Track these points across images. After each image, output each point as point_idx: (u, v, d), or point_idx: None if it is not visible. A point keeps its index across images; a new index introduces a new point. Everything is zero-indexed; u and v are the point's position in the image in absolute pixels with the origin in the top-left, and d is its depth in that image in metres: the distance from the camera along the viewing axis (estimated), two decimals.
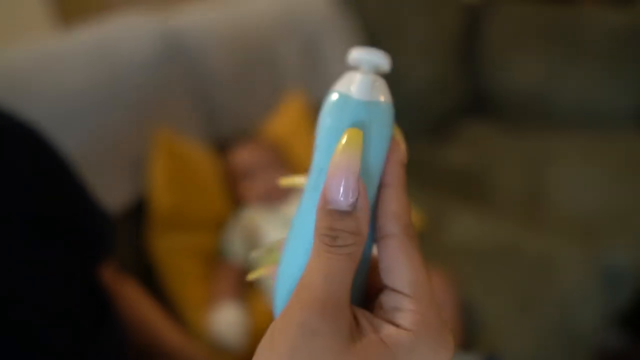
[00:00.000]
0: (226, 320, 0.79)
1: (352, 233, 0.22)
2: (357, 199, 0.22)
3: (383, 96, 0.25)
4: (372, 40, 1.42)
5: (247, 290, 0.87)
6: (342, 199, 0.22)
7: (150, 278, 0.87)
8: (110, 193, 0.85)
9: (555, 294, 0.94)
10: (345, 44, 1.32)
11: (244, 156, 0.96)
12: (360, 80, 0.24)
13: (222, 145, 1.04)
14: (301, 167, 1.06)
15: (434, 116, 1.55)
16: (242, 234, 0.88)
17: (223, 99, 1.08)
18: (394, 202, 0.23)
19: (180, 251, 0.88)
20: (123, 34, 1.02)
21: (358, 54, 0.25)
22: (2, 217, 0.41)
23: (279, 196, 0.92)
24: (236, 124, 1.09)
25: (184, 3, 1.24)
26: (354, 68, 0.26)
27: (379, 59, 0.25)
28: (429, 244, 1.06)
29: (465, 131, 1.55)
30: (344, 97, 0.24)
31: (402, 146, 0.25)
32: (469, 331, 0.88)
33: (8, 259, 0.41)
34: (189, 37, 1.08)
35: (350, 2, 1.40)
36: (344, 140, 0.23)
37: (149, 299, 0.64)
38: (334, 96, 0.25)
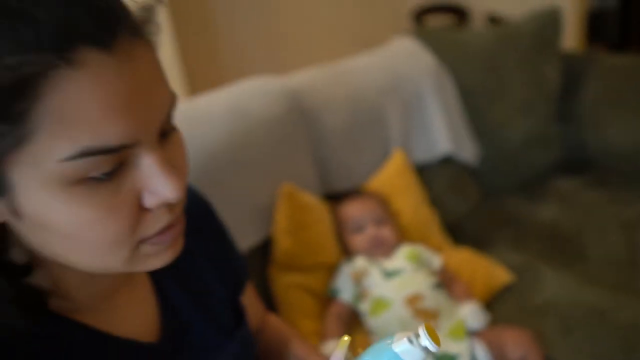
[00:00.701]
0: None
1: None
2: None
3: None
4: (472, 96, 1.51)
5: (353, 329, 0.99)
6: None
7: (270, 309, 1.02)
8: (243, 234, 1.01)
9: None
10: (446, 104, 1.43)
11: (353, 210, 1.10)
12: (405, 346, 0.37)
13: (334, 198, 1.19)
14: (402, 221, 1.18)
15: (529, 171, 1.58)
16: (350, 280, 1.01)
17: (336, 155, 1.23)
18: None
19: (295, 288, 1.03)
20: (253, 95, 1.20)
21: (422, 334, 0.37)
22: (197, 259, 0.61)
23: (382, 250, 1.04)
24: (346, 179, 1.24)
25: (298, 68, 1.41)
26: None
27: (431, 347, 0.36)
28: (517, 301, 1.12)
29: (559, 188, 1.56)
30: (388, 344, 0.38)
31: None
32: None
33: (213, 292, 0.60)
34: (308, 99, 1.25)
35: (450, 62, 1.50)
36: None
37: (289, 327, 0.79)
38: (392, 340, 0.38)
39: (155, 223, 0.40)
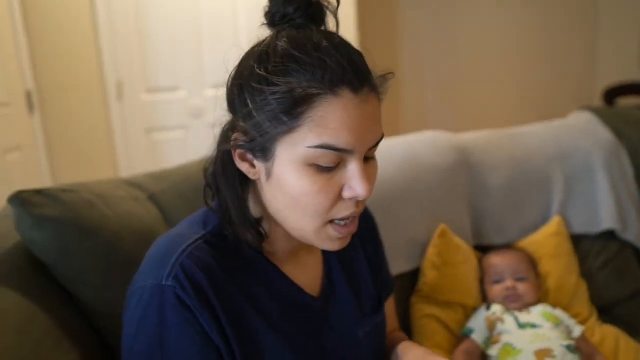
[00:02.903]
0: None
1: None
2: None
3: None
4: None
5: None
6: None
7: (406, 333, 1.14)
8: (398, 260, 1.16)
9: None
10: (617, 181, 1.42)
11: (497, 261, 1.18)
12: None
13: (483, 249, 1.28)
14: (547, 285, 1.21)
15: None
16: (485, 324, 1.09)
17: (493, 211, 1.32)
18: None
19: (432, 319, 1.14)
20: (428, 145, 1.35)
21: None
22: (357, 252, 0.81)
23: (516, 304, 1.10)
24: (500, 236, 1.31)
25: (475, 129, 1.54)
26: None
27: None
28: None
29: None
30: None
31: None
32: None
33: (363, 280, 0.79)
34: (476, 155, 1.36)
35: (630, 141, 1.48)
36: None
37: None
38: None
39: (344, 210, 0.61)
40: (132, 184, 1.05)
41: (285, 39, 0.57)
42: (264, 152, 0.59)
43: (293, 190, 0.58)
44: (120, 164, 2.82)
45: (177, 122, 2.85)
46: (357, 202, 0.61)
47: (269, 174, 0.60)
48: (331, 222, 0.61)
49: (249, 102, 0.58)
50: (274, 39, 0.59)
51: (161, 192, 1.05)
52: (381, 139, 0.61)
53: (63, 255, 0.82)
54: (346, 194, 0.59)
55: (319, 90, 0.54)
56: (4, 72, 2.35)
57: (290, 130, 0.56)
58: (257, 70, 0.57)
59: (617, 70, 3.85)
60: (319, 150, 0.56)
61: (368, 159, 0.62)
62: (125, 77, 2.74)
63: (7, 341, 0.66)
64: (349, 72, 0.55)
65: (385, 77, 0.61)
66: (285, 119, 0.55)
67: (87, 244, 0.84)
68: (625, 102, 3.64)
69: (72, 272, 0.84)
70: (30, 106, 2.53)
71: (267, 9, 0.62)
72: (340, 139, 0.55)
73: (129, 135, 2.81)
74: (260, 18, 0.62)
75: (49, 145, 2.66)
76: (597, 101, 3.76)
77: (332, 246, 0.63)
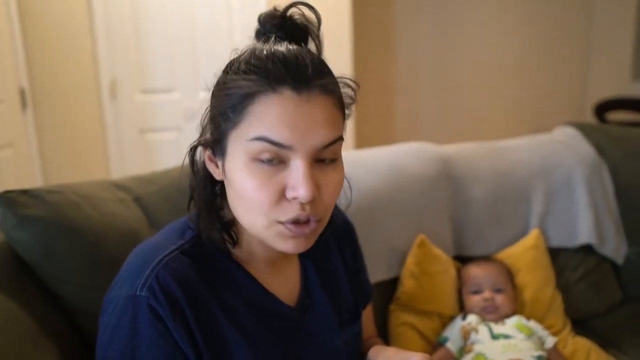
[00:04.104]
0: None
1: None
2: None
3: None
4: (630, 194, 1.49)
5: None
6: None
7: (383, 337, 1.16)
8: (377, 269, 1.19)
9: None
10: (597, 196, 1.45)
11: (476, 272, 1.20)
12: None
13: (462, 259, 1.30)
14: (523, 297, 1.24)
15: None
16: (460, 333, 1.11)
17: (474, 223, 1.35)
18: None
19: (408, 327, 1.17)
20: (411, 156, 1.38)
21: None
22: (334, 260, 0.82)
23: (493, 315, 1.13)
24: (479, 247, 1.34)
25: (465, 141, 1.57)
26: None
27: None
28: None
29: None
30: None
31: None
32: None
33: (341, 290, 0.80)
34: (459, 167, 1.39)
35: (611, 157, 1.51)
36: None
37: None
38: None
39: (288, 211, 0.59)
40: (119, 186, 1.07)
41: (247, 50, 0.62)
42: (221, 149, 0.62)
43: (239, 186, 0.60)
44: (112, 163, 2.83)
45: (170, 123, 2.87)
46: (302, 205, 0.59)
47: (224, 172, 0.63)
48: (280, 223, 0.61)
49: (211, 105, 0.64)
50: (242, 52, 0.63)
51: (147, 195, 1.06)
52: (335, 141, 0.60)
53: (47, 255, 0.84)
54: (289, 193, 0.59)
55: (260, 87, 0.58)
56: None
57: (234, 125, 0.59)
58: (220, 78, 0.63)
59: (610, 84, 3.91)
60: (256, 143, 0.58)
61: (325, 162, 0.61)
62: (119, 77, 2.76)
63: None
64: (293, 72, 0.58)
65: (346, 83, 0.64)
66: (230, 114, 0.59)
67: (72, 244, 0.86)
68: (616, 116, 3.70)
69: (57, 271, 0.85)
70: (24, 103, 2.54)
71: (256, 28, 0.66)
72: (276, 133, 0.57)
73: (122, 134, 2.82)
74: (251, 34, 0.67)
75: (41, 143, 2.67)
76: (589, 115, 3.81)
77: (285, 246, 0.62)
